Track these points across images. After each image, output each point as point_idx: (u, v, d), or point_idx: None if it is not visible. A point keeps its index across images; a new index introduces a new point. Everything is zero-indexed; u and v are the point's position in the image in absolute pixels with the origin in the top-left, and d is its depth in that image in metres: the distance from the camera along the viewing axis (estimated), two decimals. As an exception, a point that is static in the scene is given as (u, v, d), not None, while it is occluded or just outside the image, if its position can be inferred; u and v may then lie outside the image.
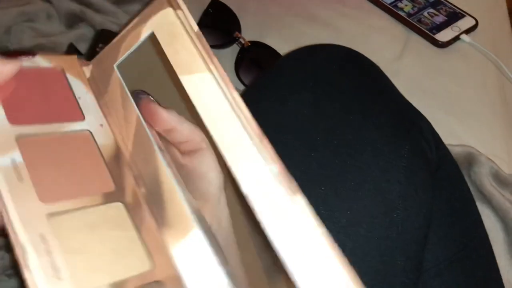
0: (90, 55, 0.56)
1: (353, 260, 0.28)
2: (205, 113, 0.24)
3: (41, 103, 0.27)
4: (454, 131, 0.58)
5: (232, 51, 0.65)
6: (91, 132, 0.27)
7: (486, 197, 0.52)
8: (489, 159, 0.54)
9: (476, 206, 0.35)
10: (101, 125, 0.27)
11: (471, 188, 0.40)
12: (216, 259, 0.24)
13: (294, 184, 0.21)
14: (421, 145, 0.31)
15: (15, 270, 0.33)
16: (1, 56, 0.25)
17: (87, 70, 0.29)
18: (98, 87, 0.28)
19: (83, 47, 0.59)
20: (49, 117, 0.26)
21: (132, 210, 0.25)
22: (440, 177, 0.32)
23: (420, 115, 0.41)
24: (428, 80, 0.63)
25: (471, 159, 0.54)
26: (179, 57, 0.25)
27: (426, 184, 0.30)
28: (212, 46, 0.64)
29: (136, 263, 0.24)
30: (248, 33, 0.65)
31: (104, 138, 0.27)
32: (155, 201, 0.25)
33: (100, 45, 0.57)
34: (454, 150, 0.54)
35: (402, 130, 0.32)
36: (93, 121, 0.27)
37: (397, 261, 0.29)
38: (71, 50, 0.58)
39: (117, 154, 0.27)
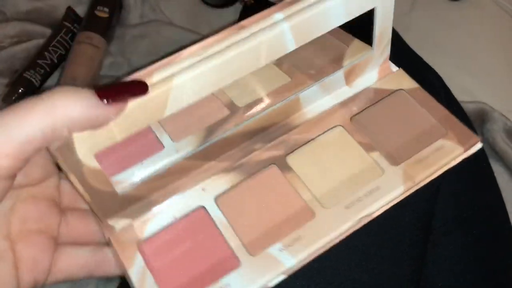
0: (87, 20, 0.55)
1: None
2: None
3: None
4: (467, 87, 0.56)
5: (235, 11, 0.62)
6: None
7: (498, 154, 0.51)
8: (503, 115, 0.52)
9: (489, 165, 0.34)
10: None
11: (484, 146, 0.39)
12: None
13: None
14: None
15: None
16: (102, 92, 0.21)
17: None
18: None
19: (81, 10, 0.58)
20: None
21: None
22: None
23: (429, 69, 0.40)
24: (440, 34, 0.60)
25: (484, 115, 0.52)
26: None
27: None
28: (214, 6, 0.62)
29: None
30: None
31: None
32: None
33: (99, 7, 0.55)
34: (466, 107, 0.52)
35: None
36: None
37: (405, 218, 0.28)
38: (69, 13, 0.56)
39: None
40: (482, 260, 0.29)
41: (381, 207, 0.25)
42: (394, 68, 0.30)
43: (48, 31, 0.56)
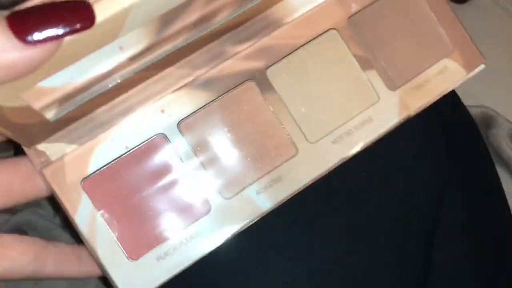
0: None
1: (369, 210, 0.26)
2: None
3: None
4: (472, 91, 0.51)
5: None
6: None
7: (503, 159, 0.49)
8: (508, 120, 0.49)
9: (495, 170, 0.32)
10: None
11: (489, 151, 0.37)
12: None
13: None
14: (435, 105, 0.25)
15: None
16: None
17: None
18: None
19: None
20: None
21: None
22: (457, 139, 0.28)
23: None
24: None
25: (488, 120, 0.49)
26: None
27: (440, 146, 0.26)
28: None
29: None
30: None
31: None
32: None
33: None
34: (471, 111, 0.48)
35: None
36: None
37: (409, 222, 0.26)
38: None
39: None
40: (488, 266, 0.29)
41: (370, 142, 0.22)
42: None
43: None
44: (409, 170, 0.26)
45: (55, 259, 0.20)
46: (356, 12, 0.22)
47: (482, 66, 0.24)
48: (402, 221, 0.26)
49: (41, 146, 0.20)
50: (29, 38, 0.13)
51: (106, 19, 0.14)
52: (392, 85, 0.22)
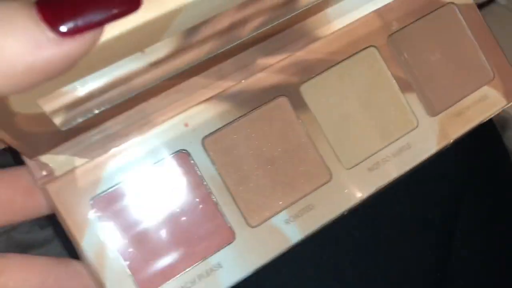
0: None
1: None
2: None
3: None
4: None
5: None
6: None
7: None
8: None
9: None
10: None
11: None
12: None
13: None
14: None
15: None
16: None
17: None
18: None
19: None
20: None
21: None
22: (475, 140, 0.27)
23: None
24: None
25: (504, 123, 0.49)
26: None
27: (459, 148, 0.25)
28: None
29: None
30: None
31: None
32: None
33: None
34: None
35: None
36: None
37: (428, 222, 0.25)
38: None
39: None
40: (506, 274, 0.28)
41: (408, 171, 0.20)
42: None
43: None
44: (428, 173, 0.25)
45: (56, 276, 0.17)
46: (397, 31, 0.21)
47: None
48: (419, 225, 0.25)
49: (45, 158, 0.17)
50: (65, 28, 0.10)
51: (156, 16, 0.12)
52: (432, 111, 0.21)
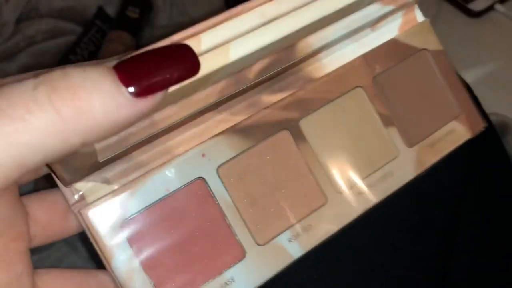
0: (118, 20, 0.57)
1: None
2: None
3: None
4: (486, 100, 0.56)
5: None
6: None
7: None
8: None
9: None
10: None
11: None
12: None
13: None
14: None
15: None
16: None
17: None
18: None
19: (111, 10, 0.58)
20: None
21: None
22: (476, 144, 0.30)
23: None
24: (459, 50, 0.59)
25: (504, 128, 0.53)
26: None
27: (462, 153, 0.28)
28: None
29: None
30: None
31: None
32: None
33: (130, 7, 0.56)
34: None
35: None
36: None
37: (430, 226, 0.27)
38: (100, 12, 0.57)
39: None
40: (505, 272, 0.30)
41: (390, 194, 0.23)
42: (420, 17, 0.26)
43: (79, 29, 0.57)
44: (428, 176, 0.27)
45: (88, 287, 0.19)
46: (380, 73, 0.24)
47: (482, 129, 0.26)
48: (419, 228, 0.26)
49: (79, 185, 0.19)
50: (138, 89, 0.12)
51: (210, 72, 0.14)
52: (410, 142, 0.24)
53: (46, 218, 0.18)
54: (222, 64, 0.15)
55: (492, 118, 0.57)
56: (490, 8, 0.64)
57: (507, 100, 0.62)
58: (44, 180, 0.20)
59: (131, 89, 0.12)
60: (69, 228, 0.19)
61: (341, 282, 0.26)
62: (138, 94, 0.12)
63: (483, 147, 0.32)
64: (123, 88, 0.12)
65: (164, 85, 0.13)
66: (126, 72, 0.12)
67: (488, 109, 0.62)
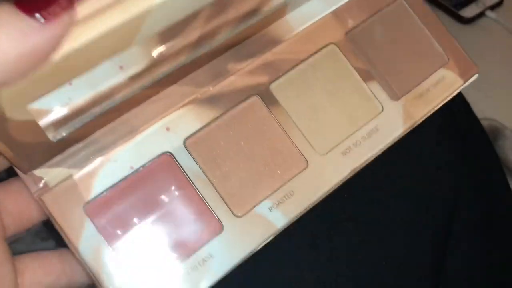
0: None
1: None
2: None
3: None
4: (478, 105, 0.55)
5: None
6: None
7: (510, 171, 0.51)
8: None
9: (504, 178, 0.33)
10: None
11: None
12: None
13: None
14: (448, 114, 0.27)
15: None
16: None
17: None
18: None
19: None
20: None
21: None
22: (469, 147, 0.29)
23: None
24: None
25: (495, 132, 0.52)
26: None
27: (453, 155, 0.27)
28: None
29: None
30: None
31: None
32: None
33: None
34: None
35: None
36: None
37: (424, 223, 0.27)
38: None
39: None
40: (499, 273, 0.29)
41: (380, 151, 0.22)
42: None
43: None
44: (423, 177, 0.25)
45: (71, 264, 0.19)
46: (353, 28, 0.23)
47: (476, 75, 0.24)
48: (415, 228, 0.25)
49: (39, 172, 0.18)
50: (42, 15, 0.12)
51: (124, 21, 0.13)
52: (395, 96, 0.22)
53: (14, 207, 0.18)
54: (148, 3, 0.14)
55: (483, 123, 0.57)
56: (481, 14, 0.64)
57: (498, 105, 0.62)
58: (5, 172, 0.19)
59: (36, 15, 0.12)
60: (36, 216, 0.18)
61: (332, 282, 0.24)
62: (43, 20, 0.12)
63: (475, 152, 0.30)
64: (24, 16, 0.12)
65: (67, 6, 0.12)
66: (25, 1, 0.12)
67: (479, 114, 0.61)
